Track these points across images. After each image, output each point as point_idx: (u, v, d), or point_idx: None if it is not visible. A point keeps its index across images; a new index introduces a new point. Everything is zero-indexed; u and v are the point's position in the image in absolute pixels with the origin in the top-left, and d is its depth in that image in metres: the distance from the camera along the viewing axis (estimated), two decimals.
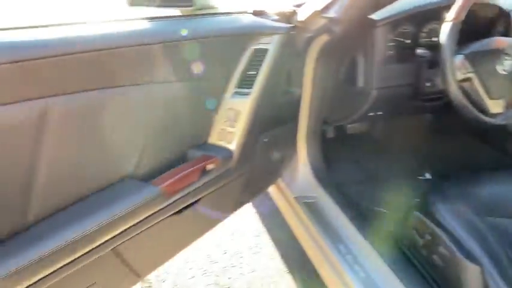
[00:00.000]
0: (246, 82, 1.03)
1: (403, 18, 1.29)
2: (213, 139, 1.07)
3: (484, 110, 1.12)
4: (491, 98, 1.11)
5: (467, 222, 0.93)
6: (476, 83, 1.10)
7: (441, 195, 1.04)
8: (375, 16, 1.23)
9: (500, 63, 1.10)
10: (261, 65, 1.02)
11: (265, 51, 1.02)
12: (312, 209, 1.39)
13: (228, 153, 1.04)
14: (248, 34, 1.01)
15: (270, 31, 1.03)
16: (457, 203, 0.99)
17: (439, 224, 0.94)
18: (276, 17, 1.18)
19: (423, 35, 1.37)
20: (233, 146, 1.05)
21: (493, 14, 1.38)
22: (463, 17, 1.04)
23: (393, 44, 1.27)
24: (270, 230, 1.87)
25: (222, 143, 1.06)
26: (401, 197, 1.36)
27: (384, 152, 1.91)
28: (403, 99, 1.37)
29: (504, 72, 1.11)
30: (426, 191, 1.12)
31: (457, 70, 1.07)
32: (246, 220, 1.92)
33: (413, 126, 1.89)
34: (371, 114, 1.41)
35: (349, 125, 1.74)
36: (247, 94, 1.03)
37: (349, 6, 1.06)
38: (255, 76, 1.03)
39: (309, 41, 1.25)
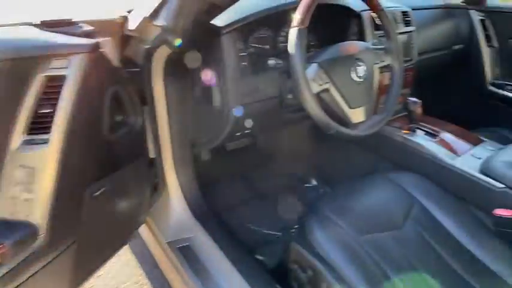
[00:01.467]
0: (40, 125, 0.72)
1: (255, 23, 1.11)
2: (2, 213, 0.72)
3: (346, 121, 1.02)
4: (351, 107, 1.01)
5: (346, 248, 0.90)
6: (334, 93, 0.98)
7: (319, 218, 0.99)
8: (219, 22, 1.03)
9: (354, 70, 1.01)
10: (57, 98, 0.72)
11: (61, 78, 0.72)
12: (187, 254, 1.15)
13: (27, 230, 0.72)
14: (30, 57, 0.70)
15: (64, 51, 0.73)
16: (335, 226, 0.96)
17: (318, 256, 0.90)
18: (89, 28, 0.89)
19: (281, 39, 1.23)
20: (36, 218, 0.73)
21: (345, 16, 1.32)
22: (307, 22, 0.91)
23: (247, 53, 1.09)
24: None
25: (19, 217, 0.73)
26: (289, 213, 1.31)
27: (270, 163, 1.78)
28: (271, 114, 1.21)
29: (359, 79, 1.01)
30: (304, 215, 1.04)
31: (312, 81, 0.94)
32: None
33: (298, 134, 1.80)
34: (239, 134, 1.22)
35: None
36: (44, 142, 0.72)
37: (178, 11, 0.83)
38: (51, 115, 0.72)
39: (148, 54, 0.99)
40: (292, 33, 0.91)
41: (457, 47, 1.76)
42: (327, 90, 0.97)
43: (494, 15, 1.76)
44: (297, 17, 0.91)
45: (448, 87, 2.03)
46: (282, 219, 1.46)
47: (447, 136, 1.29)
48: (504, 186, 1.04)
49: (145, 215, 1.21)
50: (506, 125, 1.64)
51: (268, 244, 1.40)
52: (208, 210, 1.31)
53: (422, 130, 1.33)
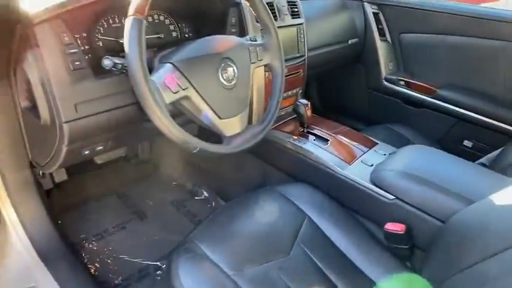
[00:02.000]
0: None
1: (94, 7, 0.84)
2: None
3: (218, 135, 0.83)
4: (221, 118, 0.81)
5: None
6: (197, 101, 0.77)
7: (189, 256, 0.83)
8: (32, 7, 0.74)
9: (222, 71, 0.81)
10: None
11: None
12: None
13: None
14: None
15: None
16: (208, 264, 0.81)
17: None
18: None
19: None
20: None
21: (224, 5, 1.11)
22: (146, 10, 0.68)
23: (82, 49, 0.82)
24: None
25: None
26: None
27: (153, 175, 1.54)
28: (135, 123, 0.96)
29: (229, 84, 0.82)
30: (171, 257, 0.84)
31: (165, 87, 0.71)
32: None
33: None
34: (87, 152, 0.94)
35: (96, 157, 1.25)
36: None
37: None
38: None
39: None
40: (127, 24, 0.67)
41: (353, 41, 1.69)
42: (187, 98, 0.76)
43: (387, 8, 1.73)
44: (134, 2, 0.67)
45: (344, 84, 1.98)
46: (166, 242, 1.24)
47: (339, 141, 1.18)
48: (394, 197, 0.95)
49: None
50: (403, 121, 1.63)
51: (145, 278, 1.17)
52: (60, 246, 1.03)
53: (314, 135, 1.20)
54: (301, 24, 1.28)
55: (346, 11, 1.67)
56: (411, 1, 1.65)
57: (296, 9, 1.27)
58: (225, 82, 0.81)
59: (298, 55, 1.28)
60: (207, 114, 0.79)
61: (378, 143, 1.20)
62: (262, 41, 0.93)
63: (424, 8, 1.58)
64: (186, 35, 1.13)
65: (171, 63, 0.74)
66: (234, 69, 0.83)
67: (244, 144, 0.85)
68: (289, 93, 1.31)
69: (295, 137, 1.18)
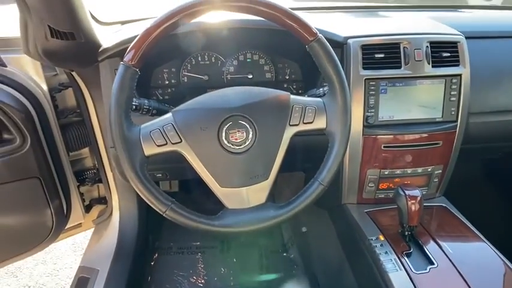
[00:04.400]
0: None
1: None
2: None
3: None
4: (222, 186, 0.65)
5: None
6: (192, 159, 0.64)
7: None
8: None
9: (226, 131, 0.64)
10: None
11: None
12: None
13: None
14: None
15: None
16: None
17: None
18: None
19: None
20: None
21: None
22: (140, 60, 0.61)
23: None
24: None
25: None
26: None
27: None
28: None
29: (234, 147, 0.64)
30: None
31: (151, 138, 0.63)
32: None
33: None
34: None
35: None
36: None
37: None
38: None
39: None
40: (119, 70, 0.62)
41: None
42: (178, 153, 0.64)
43: None
44: (129, 49, 0.61)
45: None
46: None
47: (453, 270, 0.71)
48: None
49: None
50: None
51: None
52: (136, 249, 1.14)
53: (416, 244, 0.78)
54: (457, 76, 0.84)
55: None
56: None
57: (452, 55, 0.84)
58: (229, 144, 0.63)
59: (440, 119, 0.86)
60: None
61: None
62: (324, 98, 0.67)
63: None
64: (287, 77, 0.98)
65: (172, 112, 0.64)
66: (249, 130, 0.63)
67: (244, 225, 0.64)
68: (419, 170, 0.91)
69: (382, 238, 0.80)
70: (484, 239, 0.80)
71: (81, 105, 0.97)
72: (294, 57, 0.93)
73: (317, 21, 0.75)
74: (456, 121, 0.87)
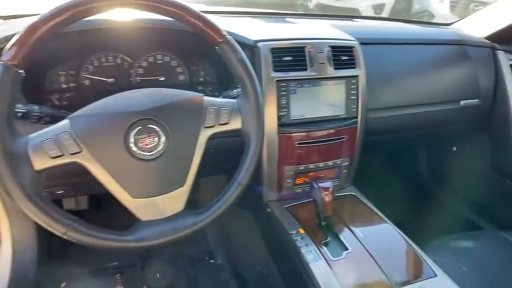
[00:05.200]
0: None
1: None
2: None
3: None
4: (134, 196, 0.61)
5: None
6: (96, 171, 0.59)
7: None
8: None
9: (134, 137, 0.60)
10: None
11: None
12: None
13: None
14: None
15: None
16: None
17: None
18: None
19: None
20: None
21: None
22: (22, 58, 0.54)
23: None
24: None
25: None
26: None
27: None
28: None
29: (145, 153, 0.61)
30: None
31: (42, 149, 0.56)
32: None
33: None
34: None
35: None
36: None
37: None
38: None
39: None
40: None
41: (468, 102, 1.18)
42: (78, 165, 0.58)
43: None
44: (9, 46, 0.54)
45: (460, 159, 1.41)
46: None
47: (366, 254, 0.78)
48: None
49: None
50: None
51: None
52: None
53: (332, 233, 0.83)
54: (355, 77, 0.93)
55: (466, 61, 1.18)
56: None
57: (349, 58, 0.93)
58: (139, 151, 0.60)
59: (343, 116, 0.94)
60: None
61: (435, 275, 0.75)
62: (237, 99, 0.68)
63: None
64: (201, 79, 0.97)
65: (69, 118, 0.58)
66: (160, 135, 0.61)
67: (160, 237, 0.61)
68: (329, 163, 0.97)
69: (301, 231, 0.84)
70: (389, 221, 0.90)
71: None
72: (207, 59, 0.93)
73: (228, 25, 0.77)
74: (357, 117, 0.96)
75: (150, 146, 0.60)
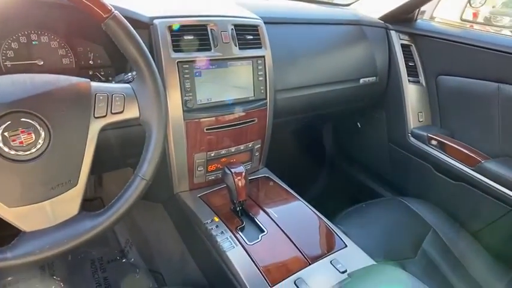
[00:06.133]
0: None
1: None
2: None
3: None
4: (11, 206, 0.51)
5: None
6: None
7: None
8: None
9: (4, 134, 0.50)
10: None
11: None
12: None
13: None
14: None
15: None
16: None
17: None
18: None
19: None
20: None
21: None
22: None
23: None
24: None
25: None
26: None
27: None
28: None
29: (20, 153, 0.51)
30: None
31: None
32: None
33: None
34: None
35: None
36: None
37: None
38: None
39: None
40: None
41: (367, 80, 1.26)
42: None
43: (423, 40, 1.27)
44: None
45: (362, 133, 1.53)
46: None
47: (281, 235, 0.79)
48: None
49: None
50: (432, 194, 1.20)
51: None
52: None
53: (248, 217, 0.83)
54: (261, 57, 0.91)
55: (363, 41, 1.25)
56: (458, 32, 1.17)
57: (254, 38, 0.91)
58: (12, 151, 0.50)
59: (252, 98, 0.92)
60: None
61: (346, 246, 0.79)
62: (133, 84, 0.61)
63: (476, 44, 1.10)
64: (91, 62, 0.85)
65: None
66: (38, 130, 0.51)
67: (52, 248, 0.52)
68: (241, 147, 0.95)
69: (216, 219, 0.81)
70: (301, 199, 0.92)
71: None
72: (96, 39, 0.81)
73: (120, 0, 0.67)
74: (266, 99, 0.95)
75: (26, 144, 0.50)
